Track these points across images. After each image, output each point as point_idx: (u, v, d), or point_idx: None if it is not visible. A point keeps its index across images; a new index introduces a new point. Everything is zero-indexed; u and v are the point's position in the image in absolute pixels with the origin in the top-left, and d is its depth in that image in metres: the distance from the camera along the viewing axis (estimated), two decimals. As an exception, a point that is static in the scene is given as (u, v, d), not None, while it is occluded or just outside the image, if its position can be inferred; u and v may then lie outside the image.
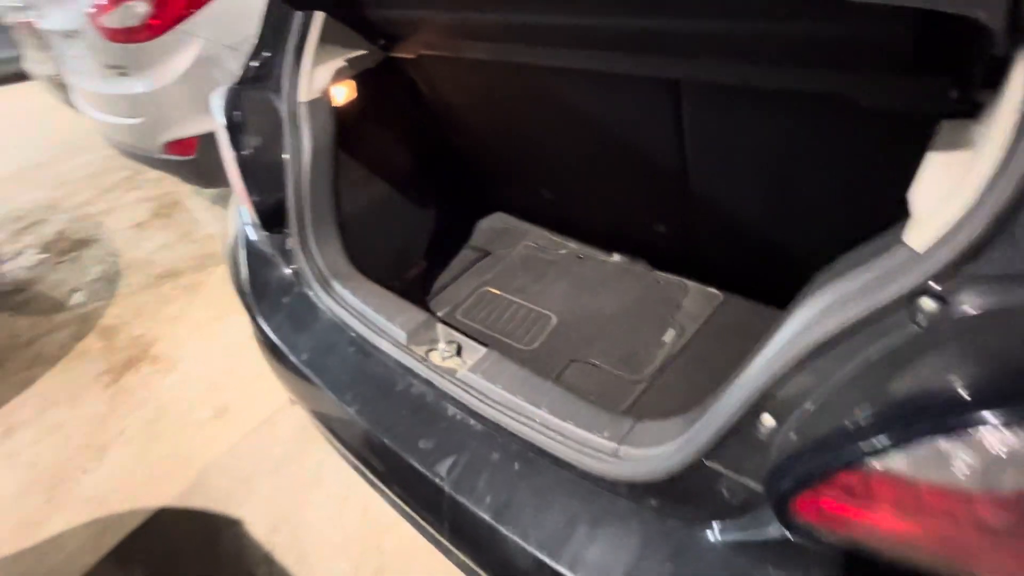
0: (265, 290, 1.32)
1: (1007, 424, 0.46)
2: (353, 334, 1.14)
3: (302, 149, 1.27)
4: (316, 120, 1.28)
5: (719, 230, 1.34)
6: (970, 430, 0.47)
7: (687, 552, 0.72)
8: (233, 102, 1.27)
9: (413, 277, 1.75)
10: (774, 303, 1.43)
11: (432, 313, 1.17)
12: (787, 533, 0.63)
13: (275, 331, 1.23)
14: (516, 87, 1.32)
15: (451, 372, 1.00)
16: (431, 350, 1.07)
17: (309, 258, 1.26)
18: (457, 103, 1.56)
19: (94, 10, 2.36)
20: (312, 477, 1.83)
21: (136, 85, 2.49)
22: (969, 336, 0.53)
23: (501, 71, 1.28)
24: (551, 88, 1.24)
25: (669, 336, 1.41)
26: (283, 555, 1.64)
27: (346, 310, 1.17)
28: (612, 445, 0.82)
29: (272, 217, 1.29)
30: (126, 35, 2.37)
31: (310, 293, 1.25)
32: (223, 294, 2.73)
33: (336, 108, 1.33)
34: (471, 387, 0.96)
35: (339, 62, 1.32)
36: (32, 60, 4.03)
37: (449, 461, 0.90)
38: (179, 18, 2.37)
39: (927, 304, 0.55)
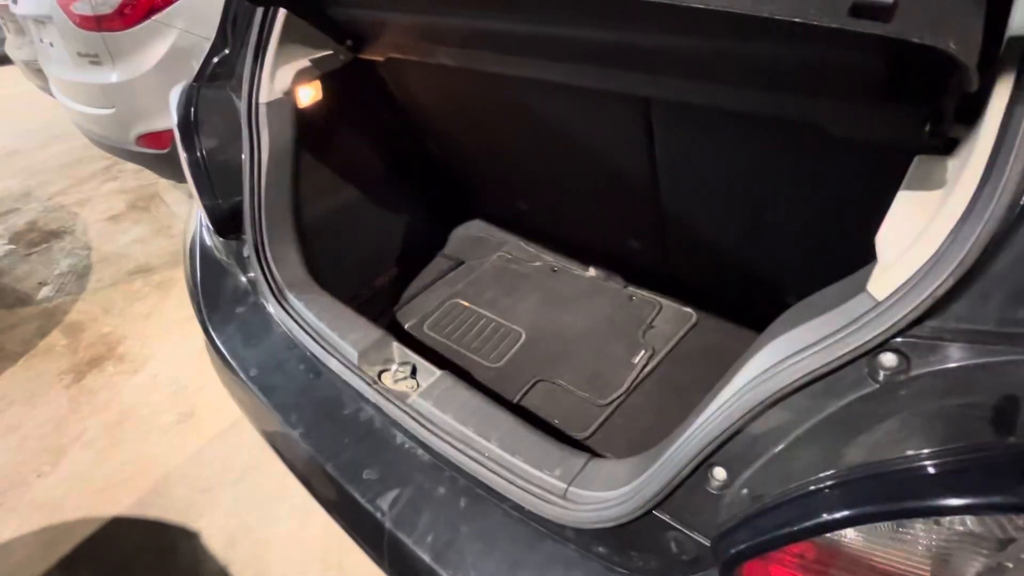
0: (218, 299, 1.26)
1: (968, 509, 0.41)
2: (305, 351, 1.09)
3: (260, 152, 1.21)
4: (276, 122, 1.22)
5: (692, 249, 1.30)
6: (931, 515, 0.43)
7: (634, 607, 0.68)
8: (190, 100, 1.22)
9: (382, 284, 1.69)
10: (749, 324, 1.39)
11: (395, 326, 1.12)
12: (734, 598, 0.59)
13: (225, 343, 1.17)
14: (488, 96, 1.27)
15: (402, 397, 0.95)
16: (384, 371, 1.02)
17: (264, 267, 1.20)
18: (430, 109, 1.50)
19: (65, -4, 2.29)
20: (276, 488, 1.77)
21: (108, 75, 2.42)
22: (930, 398, 0.48)
23: (473, 79, 1.23)
24: (524, 99, 1.20)
25: (639, 358, 1.37)
26: (240, 571, 1.58)
27: (299, 324, 1.11)
28: (562, 485, 0.77)
29: (228, 222, 1.24)
30: (98, 23, 2.29)
31: (265, 304, 1.19)
32: (195, 293, 2.66)
33: (300, 110, 1.28)
34: (421, 415, 0.91)
35: (303, 62, 1.26)
36: (11, 44, 3.93)
37: (392, 495, 0.85)
38: (153, 8, 2.29)
39: (887, 360, 0.51)
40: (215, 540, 1.66)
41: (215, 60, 1.29)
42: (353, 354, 1.02)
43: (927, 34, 0.42)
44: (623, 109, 1.01)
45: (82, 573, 1.61)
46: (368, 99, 1.54)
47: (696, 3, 0.49)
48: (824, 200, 0.92)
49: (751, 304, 1.32)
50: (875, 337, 0.51)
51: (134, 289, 2.71)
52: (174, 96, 1.23)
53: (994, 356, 0.46)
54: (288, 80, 1.23)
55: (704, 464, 0.62)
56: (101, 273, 2.84)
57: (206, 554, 1.62)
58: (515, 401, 1.30)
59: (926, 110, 0.64)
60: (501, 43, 1.01)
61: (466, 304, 1.60)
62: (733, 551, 0.55)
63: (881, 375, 0.51)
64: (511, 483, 0.79)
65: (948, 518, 0.42)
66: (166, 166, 2.67)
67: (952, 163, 0.60)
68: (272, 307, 1.17)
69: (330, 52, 1.30)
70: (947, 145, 0.63)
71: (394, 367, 1.02)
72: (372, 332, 1.07)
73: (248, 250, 1.23)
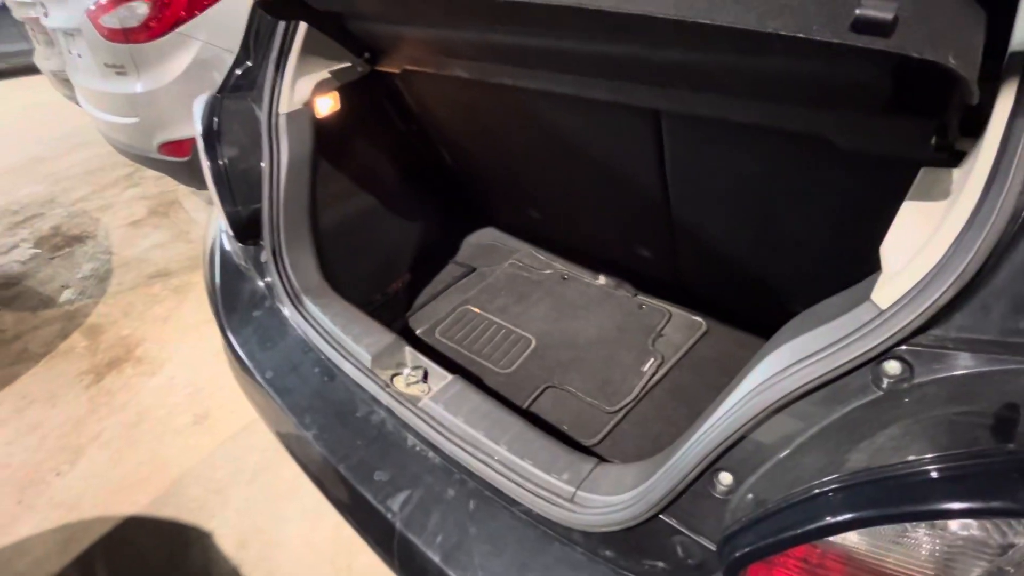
0: (236, 302, 1.29)
1: (969, 513, 0.42)
2: (319, 354, 1.11)
3: (280, 160, 1.24)
4: (295, 132, 1.25)
5: (702, 258, 1.30)
6: (933, 518, 0.44)
7: (639, 611, 0.69)
8: (213, 110, 1.25)
9: (396, 291, 1.72)
10: (758, 333, 1.39)
11: (407, 331, 1.14)
12: (739, 602, 0.59)
13: (242, 346, 1.20)
14: (501, 107, 1.30)
15: (413, 400, 0.97)
16: (396, 375, 1.04)
17: (281, 272, 1.23)
18: (444, 119, 1.54)
19: (94, 9, 2.37)
20: (288, 489, 1.80)
21: (134, 85, 2.49)
22: (933, 405, 0.49)
23: (486, 90, 1.26)
24: (536, 110, 1.22)
25: (648, 366, 1.37)
26: (251, 571, 1.60)
27: (314, 328, 1.14)
28: (570, 489, 0.78)
29: (247, 228, 1.27)
30: (125, 35, 2.37)
31: (281, 308, 1.22)
32: (212, 297, 2.71)
33: (318, 120, 1.31)
34: (432, 418, 0.93)
35: (322, 74, 1.30)
36: (39, 55, 4.06)
37: (403, 496, 0.87)
38: (178, 21, 2.36)
39: (891, 368, 0.51)
40: (227, 540, 1.68)
41: (237, 72, 1.33)
42: (367, 358, 1.04)
43: (927, 49, 0.43)
44: (633, 120, 1.03)
45: (98, 570, 1.64)
46: (384, 110, 1.58)
47: (704, 19, 0.50)
48: (832, 210, 0.93)
49: (761, 313, 1.32)
50: (879, 345, 0.51)
51: (153, 293, 2.77)
52: (198, 107, 1.28)
53: (996, 365, 0.47)
54: (307, 91, 1.27)
55: (710, 469, 0.63)
56: (121, 277, 2.90)
57: (218, 554, 1.65)
58: (524, 407, 1.32)
59: (932, 123, 0.65)
60: (514, 56, 1.04)
61: (477, 311, 1.61)
62: (737, 554, 0.56)
63: (885, 382, 0.52)
64: (520, 486, 0.80)
65: (950, 523, 0.43)
66: (186, 173, 2.74)
67: (957, 174, 0.61)
68: (288, 311, 1.19)
69: (348, 64, 1.33)
70: (953, 158, 0.64)
71: (406, 371, 1.04)
72: (385, 336, 1.09)
73: (266, 255, 1.26)
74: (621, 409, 1.28)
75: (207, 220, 3.58)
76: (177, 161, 2.63)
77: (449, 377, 1.01)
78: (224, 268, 1.35)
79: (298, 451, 1.07)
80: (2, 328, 2.58)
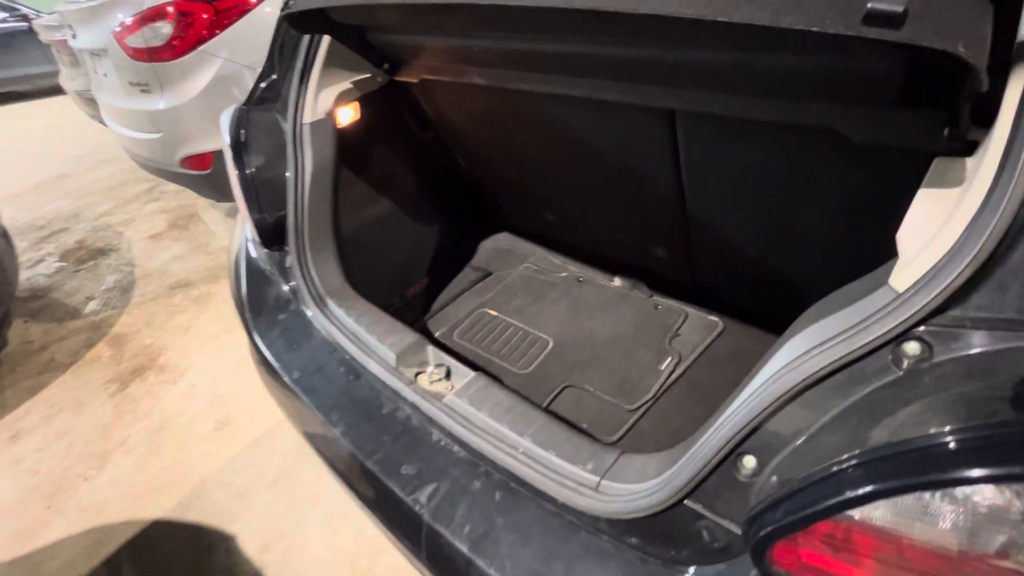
0: (262, 306, 1.33)
1: (990, 480, 0.43)
2: (344, 354, 1.14)
3: (304, 169, 1.29)
4: (318, 141, 1.30)
5: (717, 256, 1.32)
6: (954, 486, 0.45)
7: (666, 596, 0.70)
8: (239, 122, 1.30)
9: (414, 295, 1.75)
10: (775, 331, 1.39)
11: (426, 333, 1.16)
12: (766, 582, 0.61)
13: (269, 348, 1.23)
14: (516, 111, 1.33)
15: (438, 396, 0.99)
16: (420, 372, 1.07)
17: (306, 276, 1.27)
18: (461, 126, 1.58)
19: (120, 30, 2.46)
20: (308, 493, 1.82)
21: (157, 102, 2.57)
22: (952, 382, 0.50)
23: (502, 96, 1.29)
24: (551, 114, 1.25)
25: (666, 364, 1.38)
26: (274, 574, 1.62)
27: (338, 329, 1.17)
28: (594, 479, 0.80)
29: (273, 234, 1.31)
30: (149, 54, 2.46)
31: (306, 311, 1.26)
32: (232, 307, 2.76)
33: (340, 129, 1.36)
34: (456, 412, 0.95)
35: (344, 84, 1.34)
36: (64, 76, 4.20)
37: (430, 488, 0.89)
38: (200, 39, 2.45)
39: (910, 348, 0.53)
40: (250, 543, 1.70)
41: (262, 85, 1.38)
42: (391, 356, 1.07)
43: (937, 39, 0.45)
44: (648, 121, 1.06)
45: (125, 573, 1.67)
46: (401, 118, 1.62)
47: (720, 17, 0.53)
48: (846, 204, 0.95)
49: (777, 311, 1.33)
50: (897, 326, 0.53)
51: (174, 303, 2.84)
52: (225, 119, 1.32)
53: (1014, 342, 0.49)
54: (330, 102, 1.31)
55: (733, 453, 0.64)
56: (144, 288, 2.98)
57: (241, 557, 1.67)
58: (544, 406, 1.33)
59: (944, 114, 0.67)
60: (530, 61, 1.07)
61: (494, 313, 1.64)
62: (761, 534, 0.57)
63: (905, 363, 0.53)
64: (545, 477, 0.82)
65: (972, 494, 0.44)
66: (207, 186, 2.81)
67: (970, 163, 0.62)
68: (313, 313, 1.23)
69: (368, 75, 1.38)
70: (966, 147, 0.66)
71: (430, 369, 1.07)
72: (408, 336, 1.12)
73: (291, 260, 1.30)
74: (640, 407, 1.29)
75: (225, 232, 3.67)
76: (198, 174, 2.70)
77: (472, 374, 1.03)
78: (250, 273, 1.39)
79: (325, 449, 1.09)
80: (30, 339, 2.65)
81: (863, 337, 0.55)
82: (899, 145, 0.73)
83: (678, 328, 1.49)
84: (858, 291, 0.62)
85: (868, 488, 0.48)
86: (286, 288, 1.32)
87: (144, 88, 2.58)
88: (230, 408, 2.19)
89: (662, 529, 0.71)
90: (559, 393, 1.36)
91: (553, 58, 1.01)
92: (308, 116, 1.29)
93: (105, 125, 3.25)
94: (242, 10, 2.50)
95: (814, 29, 0.47)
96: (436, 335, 1.59)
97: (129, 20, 2.42)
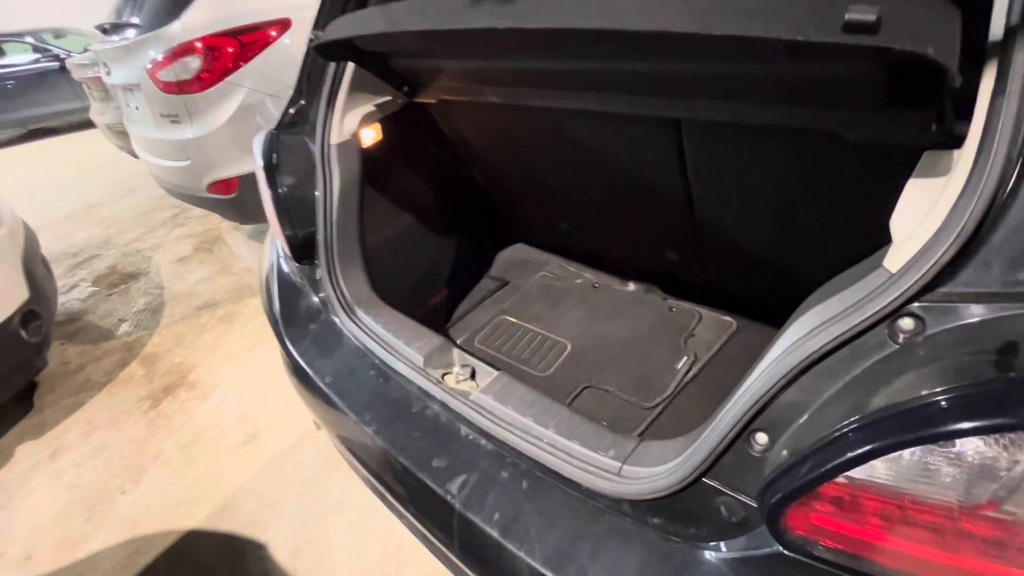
0: (294, 317, 1.40)
1: (978, 432, 0.48)
2: (374, 358, 1.20)
3: (332, 187, 1.37)
4: (345, 161, 1.38)
5: (728, 258, 1.37)
6: (946, 439, 0.50)
7: (688, 572, 0.74)
8: (271, 145, 1.39)
9: (434, 305, 1.82)
10: (788, 330, 1.43)
11: (449, 339, 1.22)
12: (782, 549, 0.65)
13: (302, 355, 1.30)
14: (529, 127, 1.41)
15: (464, 394, 1.05)
16: (446, 373, 1.12)
17: (336, 287, 1.34)
18: (477, 143, 1.66)
19: (152, 66, 2.61)
20: (336, 502, 1.87)
21: (186, 131, 2.72)
22: (944, 352, 0.55)
23: (515, 113, 1.37)
24: (563, 128, 1.33)
25: (682, 363, 1.43)
26: (305, 579, 1.67)
27: (368, 335, 1.23)
28: (616, 464, 0.84)
29: (303, 249, 1.39)
30: (179, 87, 2.60)
31: (335, 320, 1.33)
32: (256, 324, 2.86)
33: (364, 149, 1.44)
34: (483, 408, 1.00)
35: (367, 107, 1.43)
36: (95, 110, 4.42)
37: (460, 479, 0.94)
38: (227, 71, 2.59)
39: (905, 323, 0.58)
40: (281, 551, 1.76)
41: (291, 110, 1.48)
42: (418, 359, 1.13)
43: (909, 42, 0.51)
44: (655, 130, 1.12)
45: (163, 581, 1.73)
46: (420, 137, 1.71)
47: (717, 31, 0.60)
48: (847, 200, 1.00)
49: (789, 308, 1.37)
50: (891, 303, 0.58)
51: (201, 323, 2.94)
52: (257, 143, 1.41)
53: (1000, 312, 0.53)
54: (355, 124, 1.40)
55: (746, 430, 0.69)
56: (172, 309, 3.09)
57: (274, 564, 1.72)
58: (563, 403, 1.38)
59: (931, 111, 0.72)
60: (542, 79, 1.15)
61: (513, 320, 1.70)
62: (773, 500, 0.61)
63: (900, 337, 0.58)
64: (569, 464, 0.87)
65: (965, 449, 0.49)
66: (232, 209, 2.93)
67: (956, 154, 0.67)
68: (343, 321, 1.30)
69: (389, 98, 1.47)
70: (954, 141, 0.71)
71: (455, 369, 1.12)
72: (434, 339, 1.18)
73: (320, 273, 1.38)
74: (658, 404, 1.33)
75: (248, 253, 3.79)
76: (224, 198, 2.83)
77: (496, 373, 1.09)
78: (282, 287, 1.46)
79: (358, 448, 1.15)
80: (67, 360, 2.76)
81: (861, 315, 0.60)
82: (892, 142, 0.78)
83: (693, 329, 1.54)
84: (856, 274, 0.67)
85: (866, 447, 0.52)
86: (316, 299, 1.40)
87: (174, 119, 2.73)
88: (258, 422, 2.26)
89: (682, 507, 0.76)
90: (579, 393, 1.41)
91: (563, 75, 1.09)
92: (335, 137, 1.38)
93: (136, 156, 3.41)
94: (264, 43, 2.65)
95: (799, 39, 0.53)
96: (458, 342, 1.65)
97: (160, 56, 2.58)
